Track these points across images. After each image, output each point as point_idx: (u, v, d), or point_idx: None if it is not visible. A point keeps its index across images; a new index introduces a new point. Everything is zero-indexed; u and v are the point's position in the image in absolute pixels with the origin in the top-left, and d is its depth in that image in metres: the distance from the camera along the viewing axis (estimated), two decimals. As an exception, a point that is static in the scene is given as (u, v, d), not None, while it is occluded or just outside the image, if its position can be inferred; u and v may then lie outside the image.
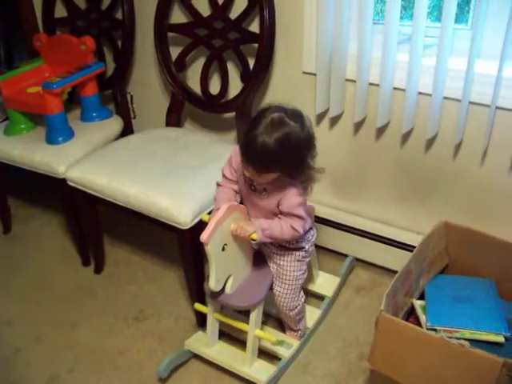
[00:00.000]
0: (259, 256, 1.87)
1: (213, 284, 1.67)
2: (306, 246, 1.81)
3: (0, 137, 2.35)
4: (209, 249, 1.60)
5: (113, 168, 2.07)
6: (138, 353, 2.03)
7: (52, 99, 2.18)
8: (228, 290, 1.75)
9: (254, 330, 1.80)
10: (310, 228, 1.82)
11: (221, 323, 1.92)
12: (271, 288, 1.85)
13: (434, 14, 1.96)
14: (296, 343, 1.96)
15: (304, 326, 1.97)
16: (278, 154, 1.48)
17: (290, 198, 1.62)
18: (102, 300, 2.27)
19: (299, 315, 1.91)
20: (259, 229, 1.63)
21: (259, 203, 1.68)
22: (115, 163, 2.10)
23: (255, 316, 1.79)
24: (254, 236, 1.64)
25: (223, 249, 1.66)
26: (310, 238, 1.83)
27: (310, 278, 2.12)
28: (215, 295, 1.75)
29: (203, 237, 1.58)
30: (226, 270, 1.71)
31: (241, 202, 1.77)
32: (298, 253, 1.80)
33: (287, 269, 1.81)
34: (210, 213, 1.81)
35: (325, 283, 2.19)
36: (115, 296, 2.29)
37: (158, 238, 2.49)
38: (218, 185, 1.78)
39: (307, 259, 1.85)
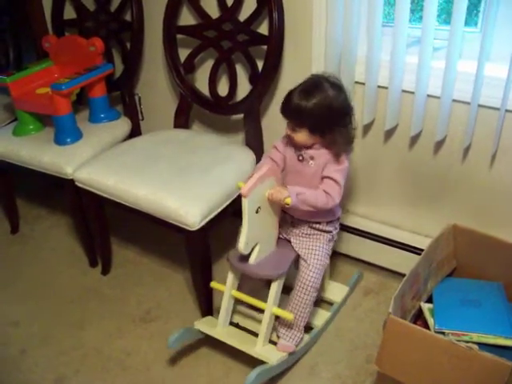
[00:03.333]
0: (283, 243, 1.91)
1: (243, 244, 1.69)
2: (334, 232, 1.91)
3: (9, 137, 2.36)
4: (246, 202, 1.63)
5: (121, 169, 2.08)
6: (144, 354, 2.03)
7: (61, 100, 2.18)
8: (252, 260, 1.77)
9: (272, 305, 1.80)
10: (338, 218, 1.93)
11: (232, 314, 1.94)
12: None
13: (442, 17, 1.95)
14: (306, 338, 1.97)
15: (302, 334, 1.93)
16: (309, 112, 1.67)
17: (333, 163, 1.75)
18: (108, 301, 2.28)
19: (311, 307, 1.89)
20: (294, 193, 1.70)
21: (307, 172, 1.79)
22: (123, 164, 2.10)
23: (276, 288, 1.79)
24: (288, 200, 1.69)
25: (257, 211, 1.69)
26: (337, 226, 1.94)
27: (321, 287, 2.11)
28: (240, 260, 1.77)
29: (244, 189, 1.62)
30: (255, 235, 1.73)
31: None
32: (326, 234, 1.89)
33: (317, 244, 1.87)
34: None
35: (334, 290, 2.20)
36: (122, 297, 2.29)
37: (166, 240, 2.49)
38: (266, 156, 1.90)
39: (332, 244, 1.93)
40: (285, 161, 1.85)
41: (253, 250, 1.76)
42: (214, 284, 1.93)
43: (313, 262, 1.84)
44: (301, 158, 1.79)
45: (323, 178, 1.76)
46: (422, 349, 1.52)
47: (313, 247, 1.86)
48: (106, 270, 2.42)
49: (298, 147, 1.79)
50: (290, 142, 1.81)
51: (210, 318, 2.00)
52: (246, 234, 1.68)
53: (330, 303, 2.17)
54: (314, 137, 1.72)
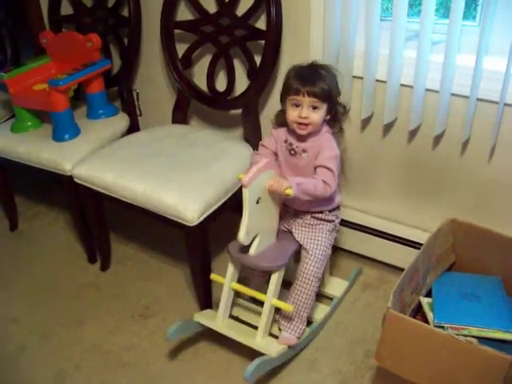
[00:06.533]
0: (284, 235, 1.92)
1: (243, 234, 1.68)
2: (336, 221, 1.95)
3: (7, 134, 2.35)
4: (247, 192, 1.63)
5: (119, 165, 2.07)
6: (144, 350, 2.03)
7: (58, 96, 2.18)
8: (253, 251, 1.77)
9: (272, 297, 1.80)
10: (338, 206, 1.96)
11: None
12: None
13: (441, 11, 1.95)
14: (306, 331, 1.96)
15: (305, 326, 1.93)
16: (332, 85, 1.76)
17: (325, 152, 1.78)
18: (108, 297, 2.28)
19: (313, 298, 1.90)
20: (294, 183, 1.71)
21: (300, 164, 1.83)
22: (122, 160, 2.10)
23: (275, 280, 1.79)
24: (289, 191, 1.69)
25: (257, 202, 1.69)
26: (338, 215, 1.97)
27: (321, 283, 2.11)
28: (240, 252, 1.78)
29: (245, 179, 1.62)
30: (255, 225, 1.73)
31: None
32: (328, 224, 1.92)
33: (320, 234, 1.89)
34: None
35: (334, 285, 2.20)
36: (121, 293, 2.29)
37: (165, 236, 2.49)
38: (256, 153, 1.93)
39: (334, 234, 1.97)
40: (276, 156, 1.89)
41: (253, 241, 1.77)
42: (213, 276, 1.92)
43: (315, 252, 1.86)
44: (293, 152, 1.83)
45: (316, 167, 1.79)
46: (422, 343, 1.52)
47: (315, 237, 1.88)
48: (105, 267, 2.42)
49: (290, 142, 1.83)
50: (279, 136, 1.87)
51: (209, 310, 2.00)
52: (246, 224, 1.68)
53: (330, 298, 2.17)
54: (326, 114, 1.78)
